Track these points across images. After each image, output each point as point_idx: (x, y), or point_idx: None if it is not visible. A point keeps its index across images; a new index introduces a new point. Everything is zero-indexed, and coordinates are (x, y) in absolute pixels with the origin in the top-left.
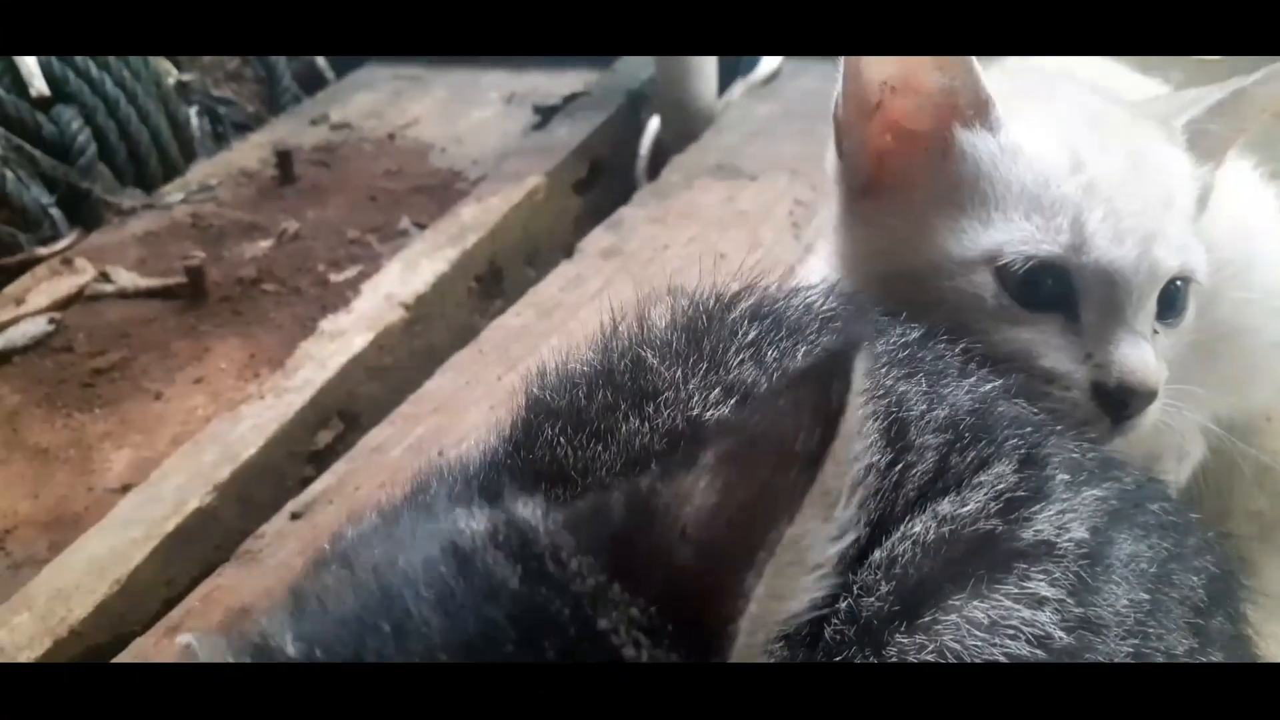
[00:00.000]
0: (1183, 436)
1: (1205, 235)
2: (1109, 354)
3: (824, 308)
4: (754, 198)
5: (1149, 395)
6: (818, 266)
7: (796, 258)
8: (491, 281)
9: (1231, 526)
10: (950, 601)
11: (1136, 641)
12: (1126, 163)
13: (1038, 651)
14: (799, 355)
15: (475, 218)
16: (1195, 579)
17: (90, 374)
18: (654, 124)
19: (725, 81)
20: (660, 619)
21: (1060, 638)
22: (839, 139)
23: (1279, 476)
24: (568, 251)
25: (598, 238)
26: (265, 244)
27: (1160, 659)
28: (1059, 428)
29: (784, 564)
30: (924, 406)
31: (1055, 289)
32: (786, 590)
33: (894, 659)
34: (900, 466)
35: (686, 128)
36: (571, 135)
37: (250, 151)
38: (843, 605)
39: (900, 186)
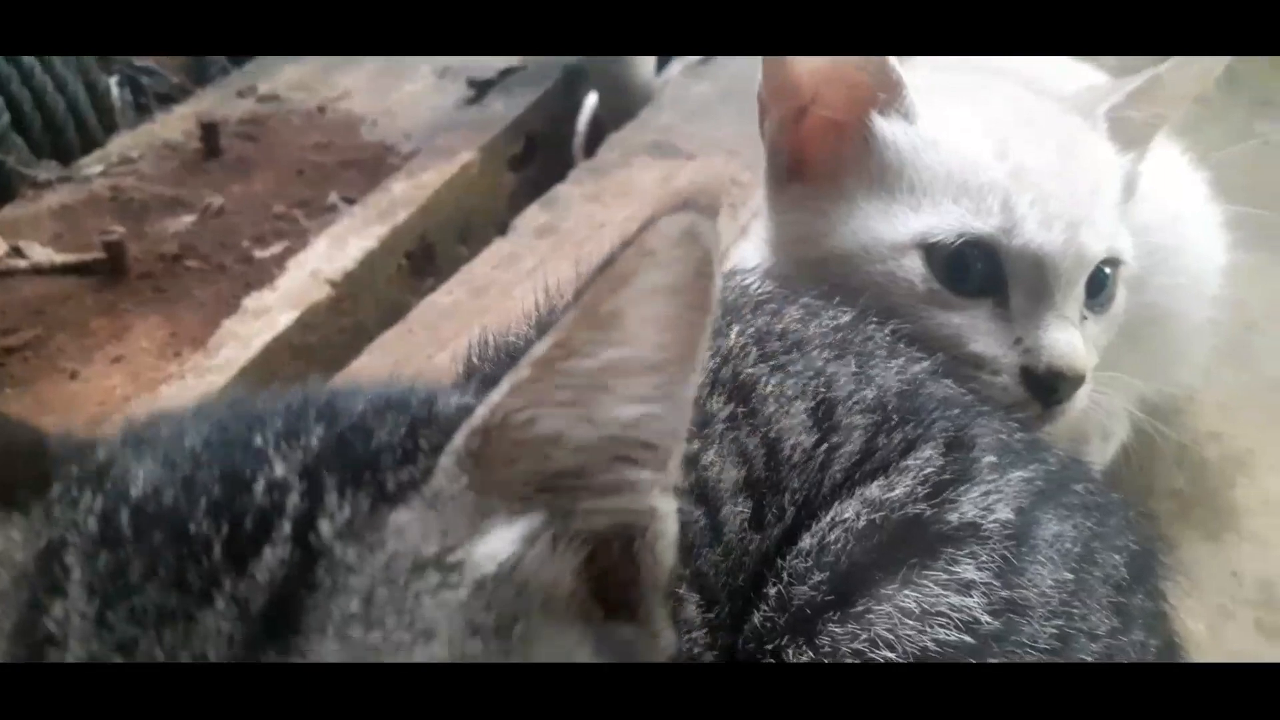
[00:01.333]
0: (1108, 418)
1: (1134, 221)
2: (1038, 339)
3: (759, 290)
4: (691, 177)
5: (1077, 380)
6: (749, 251)
7: (732, 239)
8: (423, 259)
9: (1152, 505)
10: (882, 590)
11: (1061, 622)
12: (1053, 151)
13: (966, 637)
14: (733, 334)
15: (406, 193)
16: (1118, 557)
17: (2, 352)
18: (591, 100)
19: (664, 59)
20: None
21: (987, 622)
22: (763, 126)
23: (1198, 457)
24: (502, 229)
25: (533, 215)
26: (188, 219)
27: (1083, 640)
28: (986, 408)
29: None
30: (852, 387)
31: (984, 273)
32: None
33: (826, 649)
34: (826, 448)
35: (624, 105)
36: (507, 110)
37: (174, 123)
38: (771, 591)
39: (826, 172)
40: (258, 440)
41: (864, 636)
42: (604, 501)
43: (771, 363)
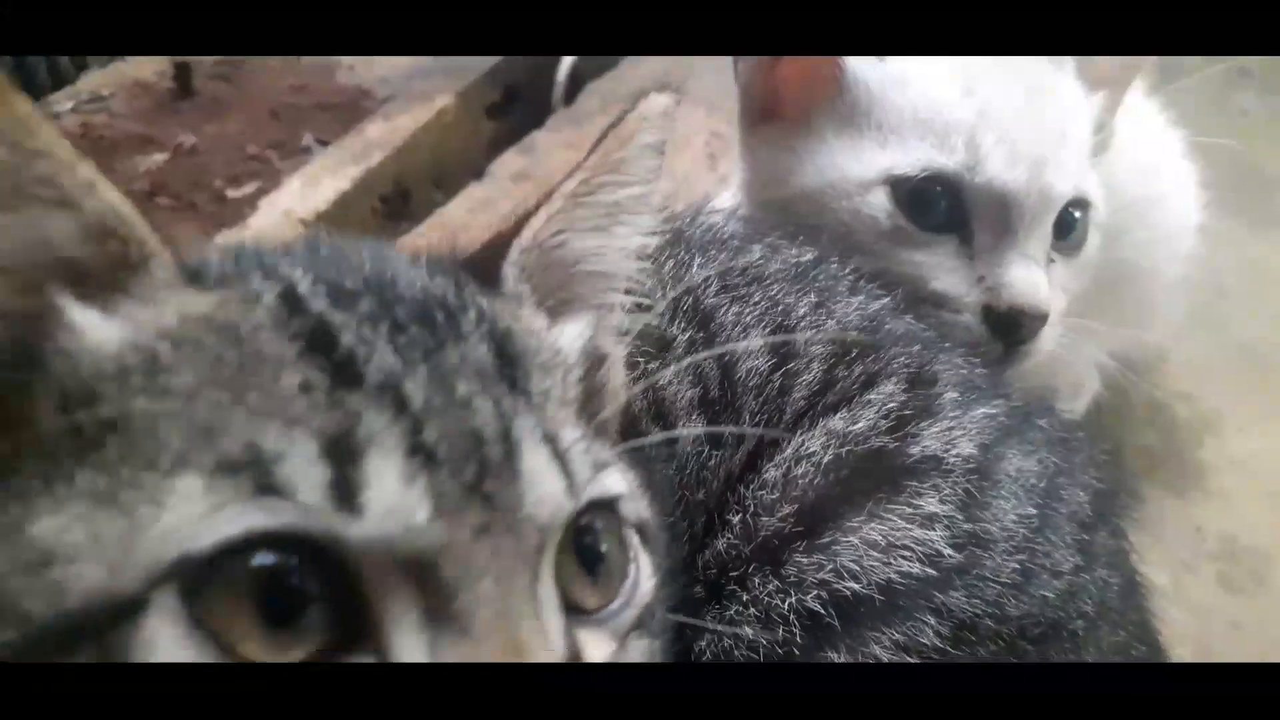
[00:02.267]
0: (1079, 371)
1: (1110, 175)
2: (999, 276)
3: (724, 229)
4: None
5: (1039, 319)
6: (727, 198)
7: (712, 189)
8: (398, 202)
9: (1121, 460)
10: (848, 523)
11: (1024, 557)
12: (1020, 92)
13: (929, 569)
14: (695, 268)
15: (381, 136)
16: (1082, 494)
17: None
18: None
19: None
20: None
21: (950, 555)
22: (737, 69)
23: (1169, 414)
24: (478, 174)
25: (509, 161)
26: (160, 157)
27: (1046, 577)
28: (948, 345)
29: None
30: (812, 319)
31: (948, 210)
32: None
33: (792, 578)
34: (784, 373)
35: (604, 57)
36: (486, 57)
37: (146, 64)
38: (736, 520)
39: (797, 112)
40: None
41: (829, 567)
42: (610, 319)
43: (732, 294)
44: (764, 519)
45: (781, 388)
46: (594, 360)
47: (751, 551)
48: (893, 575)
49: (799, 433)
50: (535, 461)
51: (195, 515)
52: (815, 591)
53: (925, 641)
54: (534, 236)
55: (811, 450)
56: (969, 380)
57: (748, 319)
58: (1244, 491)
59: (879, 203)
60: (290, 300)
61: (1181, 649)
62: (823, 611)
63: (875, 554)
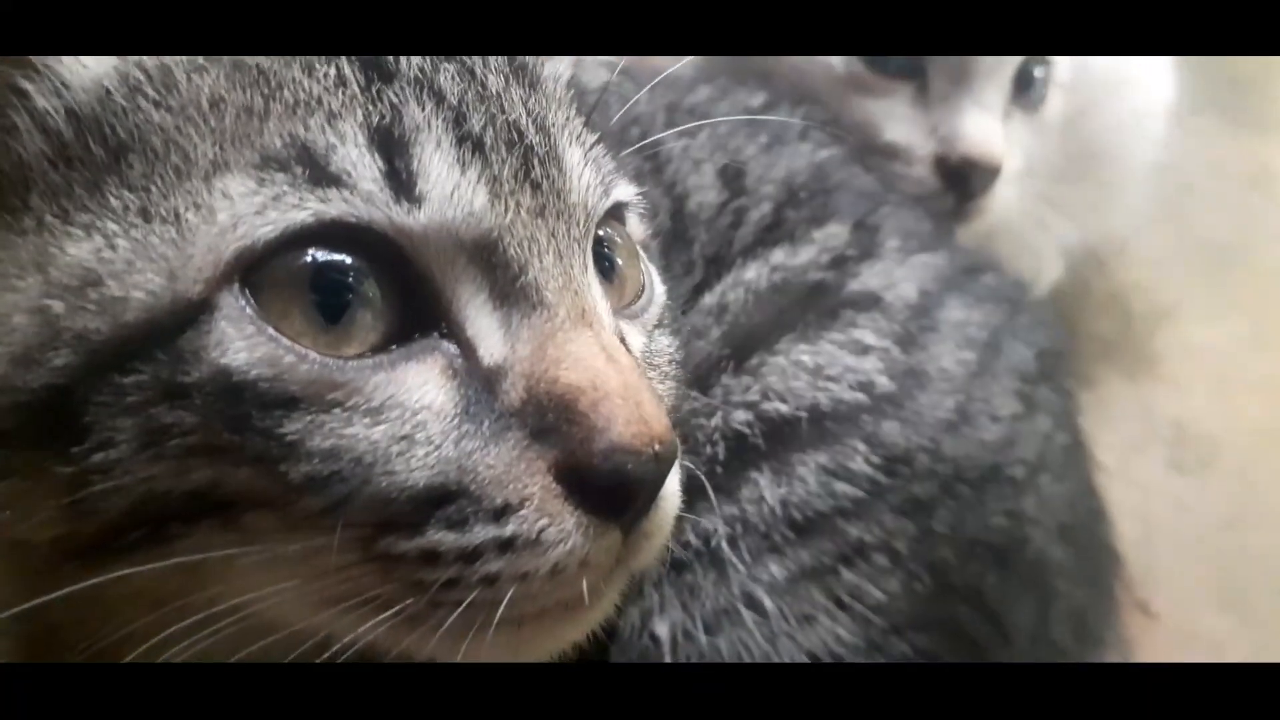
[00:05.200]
0: (1041, 254)
1: None
2: (953, 125)
3: (674, 71)
4: None
5: (991, 170)
6: None
7: None
8: None
9: (1077, 345)
10: (777, 345)
11: (961, 398)
12: None
13: (861, 396)
14: (642, 102)
15: None
16: (1026, 350)
17: None
18: None
19: None
20: None
21: (884, 384)
22: None
23: (1123, 303)
24: None
25: None
26: None
27: (984, 420)
28: (895, 196)
29: None
30: (763, 159)
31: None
32: None
33: (718, 401)
34: (735, 206)
35: None
36: None
37: None
38: None
39: None
40: None
41: (756, 388)
42: None
43: (679, 129)
44: (695, 344)
45: (731, 223)
46: None
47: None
48: (821, 398)
49: (740, 263)
50: (574, 155)
51: (251, 210)
52: (741, 411)
53: (854, 468)
54: None
55: (748, 278)
56: (914, 230)
57: (696, 154)
58: (1195, 380)
59: None
60: None
61: (1128, 524)
62: (748, 431)
63: (804, 375)
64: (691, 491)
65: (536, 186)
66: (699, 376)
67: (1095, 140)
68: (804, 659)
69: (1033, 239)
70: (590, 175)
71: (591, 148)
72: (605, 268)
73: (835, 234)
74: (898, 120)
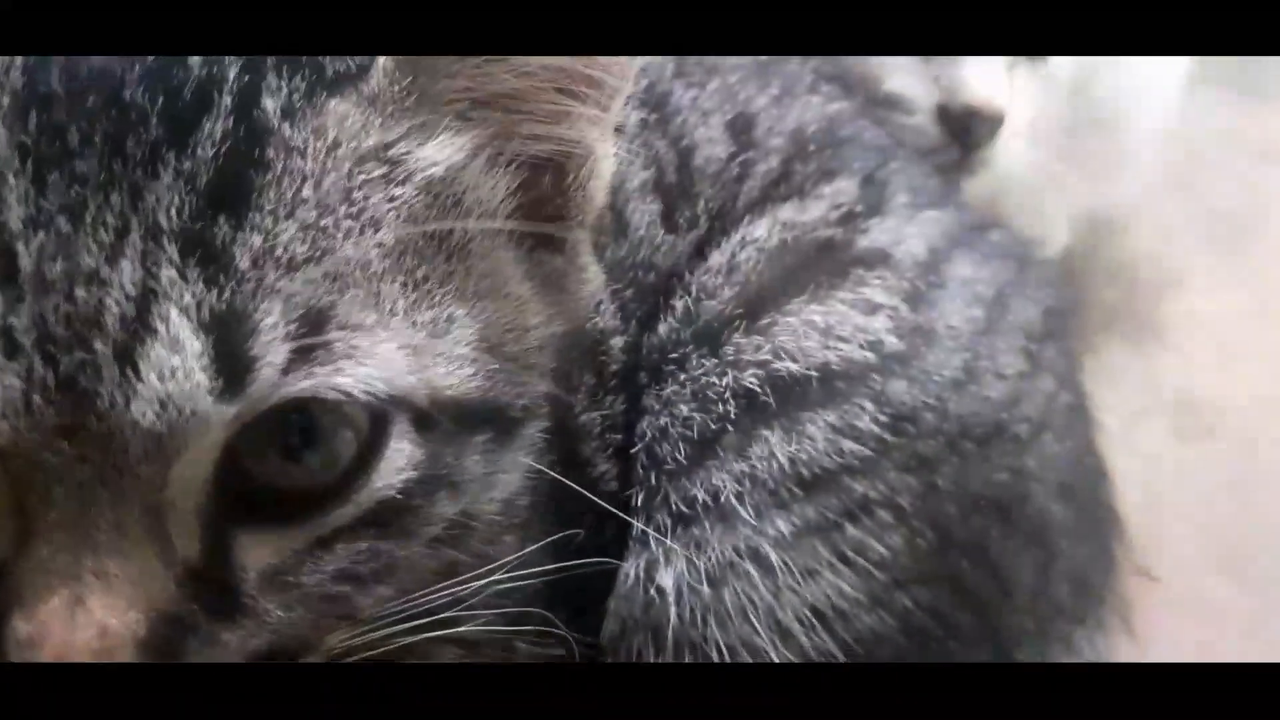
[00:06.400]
0: (1049, 220)
1: None
2: (955, 74)
3: None
4: None
5: (994, 120)
6: None
7: None
8: None
9: (1082, 310)
10: (789, 305)
11: (968, 356)
12: None
13: (869, 355)
14: None
15: None
16: (1033, 309)
17: None
18: None
19: None
20: None
21: (892, 343)
22: None
23: (1129, 272)
24: None
25: None
26: None
27: (990, 378)
28: (904, 151)
29: None
30: (773, 110)
31: None
32: None
33: (730, 359)
34: (743, 160)
35: None
36: None
37: None
38: (679, 304)
39: None
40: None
41: (767, 348)
42: (541, 128)
43: (687, 79)
44: (705, 303)
45: (738, 176)
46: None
47: (691, 335)
48: (831, 358)
49: (747, 219)
50: (172, 356)
51: None
52: (751, 370)
53: (862, 427)
54: None
55: (757, 236)
56: (922, 186)
57: (705, 105)
58: (1201, 348)
59: None
60: None
61: (1131, 491)
62: (759, 390)
63: (815, 335)
64: (702, 445)
65: (80, 399)
66: (710, 335)
67: (1102, 105)
68: (807, 612)
69: (1040, 201)
70: (194, 380)
71: (282, 321)
72: (294, 445)
73: (844, 189)
74: (900, 70)
